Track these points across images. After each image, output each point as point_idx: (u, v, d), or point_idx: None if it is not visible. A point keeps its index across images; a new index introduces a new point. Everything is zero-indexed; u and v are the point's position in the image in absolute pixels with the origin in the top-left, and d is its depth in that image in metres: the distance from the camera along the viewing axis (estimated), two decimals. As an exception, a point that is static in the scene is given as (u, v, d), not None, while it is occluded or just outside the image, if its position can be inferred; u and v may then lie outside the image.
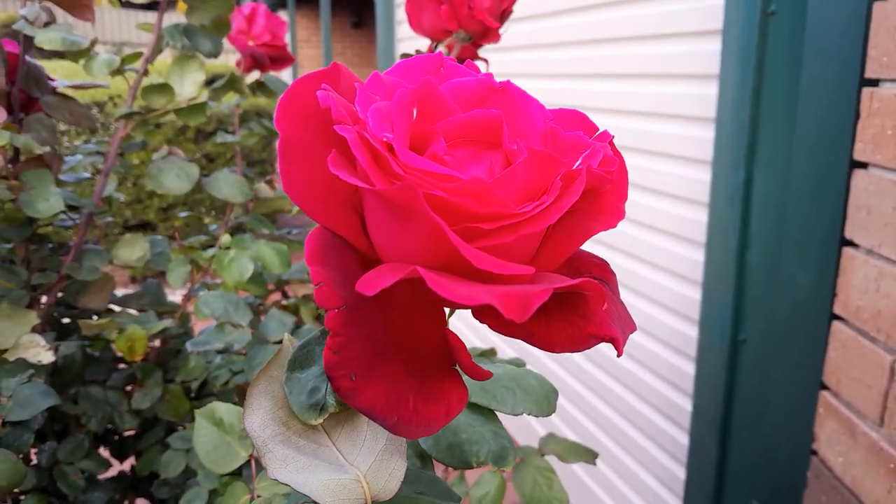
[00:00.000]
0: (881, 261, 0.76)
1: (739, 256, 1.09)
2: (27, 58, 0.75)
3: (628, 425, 1.44)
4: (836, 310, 0.84)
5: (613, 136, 0.26)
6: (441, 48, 0.69)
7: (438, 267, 0.22)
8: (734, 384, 1.14)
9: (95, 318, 0.85)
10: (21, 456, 0.64)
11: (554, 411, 0.39)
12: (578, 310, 0.24)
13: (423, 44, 0.76)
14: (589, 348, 0.23)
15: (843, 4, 0.81)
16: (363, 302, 0.22)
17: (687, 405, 1.25)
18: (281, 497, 0.40)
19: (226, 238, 0.87)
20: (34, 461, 0.75)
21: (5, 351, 0.67)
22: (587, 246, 0.26)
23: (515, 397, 0.38)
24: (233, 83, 0.95)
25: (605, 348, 1.50)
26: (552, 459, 0.65)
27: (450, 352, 0.23)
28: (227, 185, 0.87)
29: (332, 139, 0.23)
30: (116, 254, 0.83)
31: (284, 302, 1.02)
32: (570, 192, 0.22)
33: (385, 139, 0.22)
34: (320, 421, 0.26)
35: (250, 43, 1.05)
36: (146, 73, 0.84)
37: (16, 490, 0.67)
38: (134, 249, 0.84)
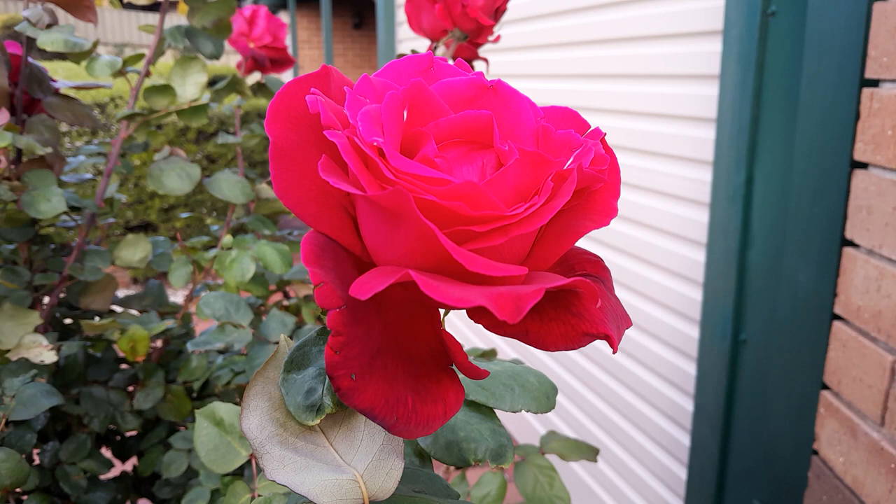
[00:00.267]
0: (882, 261, 0.76)
1: (740, 256, 1.09)
2: (30, 59, 0.76)
3: (629, 425, 1.44)
4: (837, 310, 0.84)
5: (605, 134, 0.26)
6: (440, 48, 0.69)
7: (432, 269, 0.22)
8: (735, 384, 1.14)
9: (97, 318, 0.85)
10: (24, 456, 0.64)
11: (553, 408, 0.38)
12: (572, 308, 0.24)
13: (424, 44, 0.76)
14: (584, 346, 0.23)
15: (843, 4, 0.81)
16: (359, 304, 0.22)
17: (688, 405, 1.25)
18: (280, 496, 0.41)
19: (227, 239, 0.87)
20: (37, 461, 0.75)
21: (8, 351, 0.67)
22: (586, 245, 0.26)
23: (514, 394, 0.38)
24: (234, 85, 0.95)
25: (605, 348, 1.50)
26: (553, 459, 0.65)
27: (446, 352, 0.24)
28: (229, 185, 0.87)
29: (322, 143, 0.23)
30: (118, 255, 0.84)
31: (286, 302, 1.02)
32: (561, 193, 0.22)
33: (375, 143, 0.22)
34: (317, 422, 0.26)
35: (251, 45, 1.06)
36: (148, 74, 0.84)
37: (18, 490, 0.67)
38: (136, 250, 0.85)
